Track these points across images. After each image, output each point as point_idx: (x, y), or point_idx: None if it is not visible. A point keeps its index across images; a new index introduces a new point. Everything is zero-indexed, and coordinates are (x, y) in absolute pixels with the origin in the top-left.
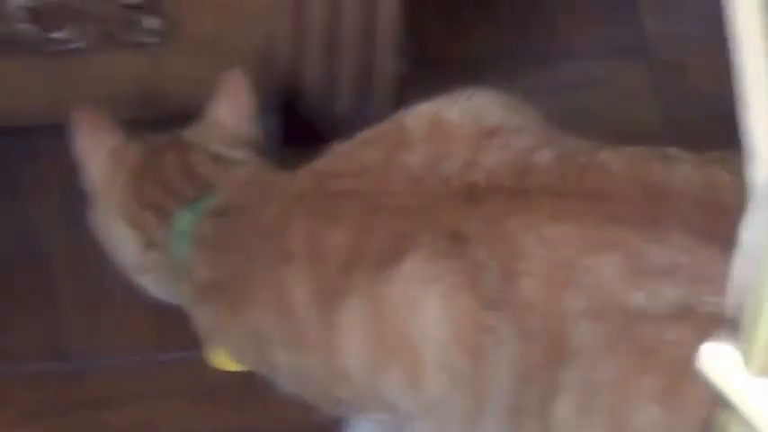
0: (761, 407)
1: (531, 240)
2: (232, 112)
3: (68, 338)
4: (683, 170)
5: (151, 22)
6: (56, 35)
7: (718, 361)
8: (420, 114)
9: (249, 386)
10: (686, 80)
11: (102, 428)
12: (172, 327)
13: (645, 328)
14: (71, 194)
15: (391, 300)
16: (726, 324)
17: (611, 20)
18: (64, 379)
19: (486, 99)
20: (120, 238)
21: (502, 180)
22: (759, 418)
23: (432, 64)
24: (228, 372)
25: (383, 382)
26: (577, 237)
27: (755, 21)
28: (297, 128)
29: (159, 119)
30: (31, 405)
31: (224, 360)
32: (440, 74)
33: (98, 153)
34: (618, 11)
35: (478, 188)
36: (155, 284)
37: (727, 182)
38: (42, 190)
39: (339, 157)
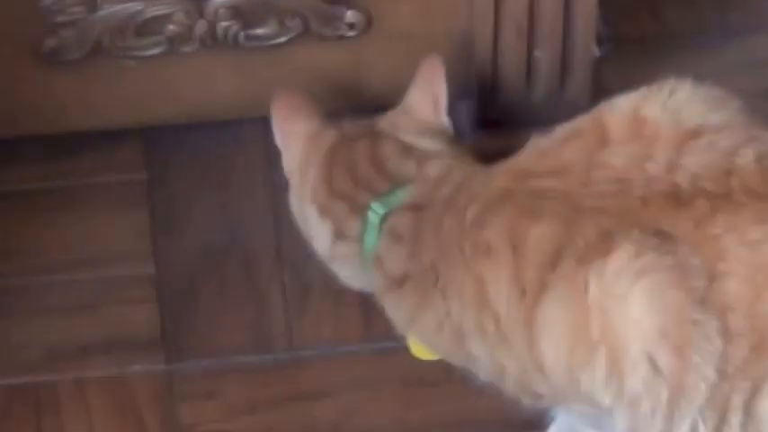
0: None
1: (734, 242)
2: (426, 99)
3: (276, 331)
4: None
5: (350, 15)
6: (257, 31)
7: None
8: (620, 111)
9: (458, 376)
10: None
11: (312, 420)
12: (377, 316)
13: None
14: (278, 186)
15: (596, 293)
16: None
17: None
18: (272, 372)
19: (687, 94)
20: (313, 226)
21: (705, 182)
22: None
23: (626, 41)
24: (426, 360)
25: (583, 376)
26: None
27: None
28: (493, 114)
29: (359, 109)
30: (241, 399)
31: (421, 349)
32: (635, 51)
33: (295, 137)
34: None
35: (683, 190)
36: (345, 273)
37: None
38: (250, 182)
39: (540, 154)
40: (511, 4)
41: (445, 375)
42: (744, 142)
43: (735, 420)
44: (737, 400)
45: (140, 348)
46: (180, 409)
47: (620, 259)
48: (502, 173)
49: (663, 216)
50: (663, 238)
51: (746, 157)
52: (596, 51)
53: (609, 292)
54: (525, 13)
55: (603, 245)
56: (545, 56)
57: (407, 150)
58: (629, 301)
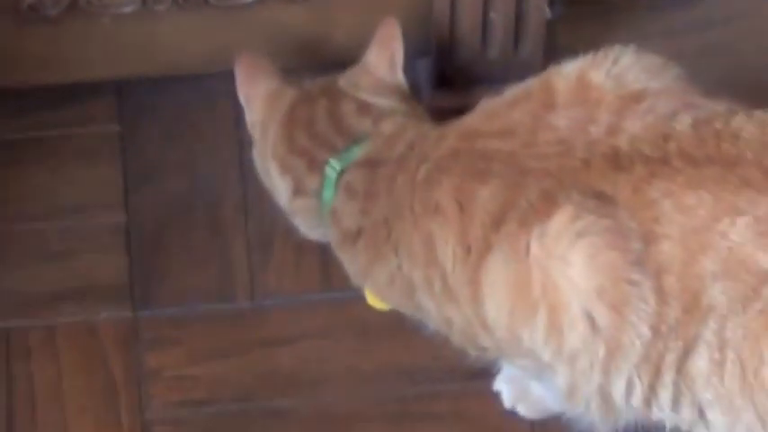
0: None
1: (670, 206)
2: (383, 58)
3: (239, 280)
4: None
5: None
6: None
7: None
8: (567, 76)
9: (409, 326)
10: None
11: (272, 366)
12: (336, 268)
13: None
14: (244, 142)
15: (537, 254)
16: None
17: None
18: (235, 320)
19: (631, 61)
20: (274, 181)
21: (644, 146)
22: None
23: (578, 3)
24: (380, 310)
25: (524, 333)
26: (712, 203)
27: None
28: (450, 72)
29: (322, 66)
30: (205, 346)
31: (375, 300)
32: (587, 13)
33: (256, 96)
34: None
35: (623, 153)
36: (305, 226)
37: None
38: (217, 136)
39: (489, 115)
40: None
41: (398, 325)
42: (682, 108)
43: (668, 378)
44: (670, 359)
45: (109, 296)
46: (145, 355)
47: (560, 221)
48: (452, 132)
49: (603, 178)
50: (602, 201)
51: (684, 123)
52: (548, 13)
53: (549, 252)
54: None
55: (545, 207)
56: (500, 17)
57: (365, 108)
58: (569, 262)
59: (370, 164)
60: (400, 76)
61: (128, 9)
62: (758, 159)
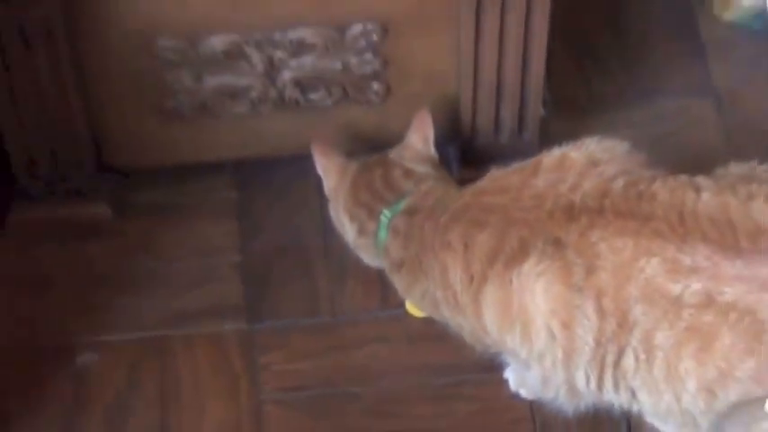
0: None
1: (605, 247)
2: (420, 137)
3: (323, 302)
4: (706, 197)
5: (376, 86)
6: (311, 97)
7: None
8: (553, 155)
9: (442, 333)
10: (745, 114)
11: (348, 363)
12: (391, 291)
13: (686, 311)
14: (323, 200)
15: (515, 286)
16: None
17: (685, 66)
18: (321, 330)
19: (597, 142)
20: (345, 227)
21: (589, 200)
22: None
23: (564, 104)
24: (417, 317)
25: (508, 337)
26: (634, 246)
27: None
28: (472, 154)
29: (375, 150)
30: (300, 348)
31: (413, 309)
32: (571, 111)
33: (330, 169)
34: (691, 58)
35: (575, 206)
36: (366, 258)
37: (736, 206)
38: (307, 197)
39: (493, 179)
40: (485, 78)
41: (434, 333)
42: (620, 173)
43: (608, 372)
44: (609, 359)
45: (231, 314)
46: (258, 356)
47: (529, 266)
48: (467, 192)
49: (559, 227)
50: (557, 246)
51: (618, 185)
52: (542, 112)
53: (522, 286)
54: (494, 84)
55: (521, 254)
56: (508, 114)
57: (409, 173)
58: (534, 292)
59: (410, 213)
60: (432, 151)
61: (241, 110)
62: (666, 216)
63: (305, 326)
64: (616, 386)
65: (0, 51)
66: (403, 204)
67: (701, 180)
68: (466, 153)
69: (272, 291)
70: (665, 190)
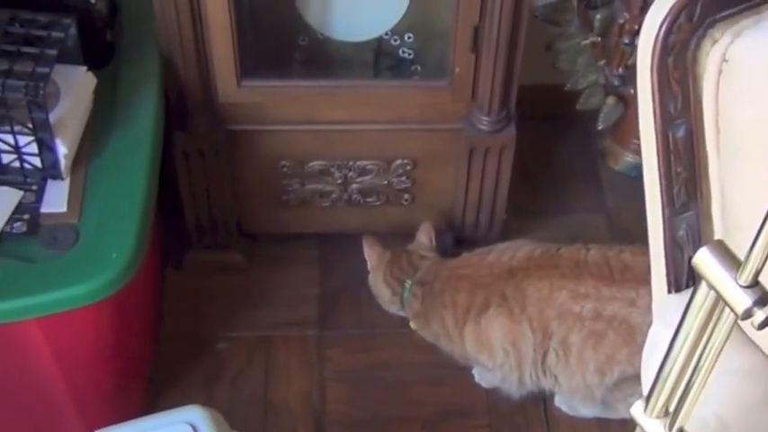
0: None
1: (532, 290)
2: (426, 238)
3: (366, 319)
4: (592, 252)
5: (406, 196)
6: (368, 200)
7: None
8: (502, 244)
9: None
10: (623, 225)
11: (379, 358)
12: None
13: (586, 321)
14: (365, 271)
15: (483, 326)
16: None
17: (589, 194)
18: (366, 338)
19: (524, 241)
20: (381, 291)
21: (521, 264)
22: None
23: (517, 212)
24: (419, 333)
25: (480, 356)
26: (549, 287)
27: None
28: (461, 240)
29: (404, 235)
30: (354, 348)
31: (416, 328)
32: (522, 216)
33: (373, 254)
34: (593, 190)
35: (513, 268)
36: (396, 311)
37: (612, 255)
38: (361, 266)
39: (463, 259)
40: (470, 196)
41: (430, 345)
42: (538, 248)
43: (539, 367)
44: (539, 359)
45: (310, 324)
46: (325, 350)
47: (489, 313)
48: (448, 267)
49: (505, 283)
50: (504, 298)
51: (537, 252)
52: (504, 216)
53: (487, 325)
54: (476, 199)
55: (484, 306)
56: (484, 217)
57: (421, 257)
58: (494, 328)
59: (420, 282)
60: (434, 245)
61: (326, 204)
62: (568, 265)
63: (354, 334)
64: (545, 375)
65: (186, 162)
66: (417, 276)
67: (590, 245)
68: (457, 239)
69: (336, 311)
70: (567, 251)
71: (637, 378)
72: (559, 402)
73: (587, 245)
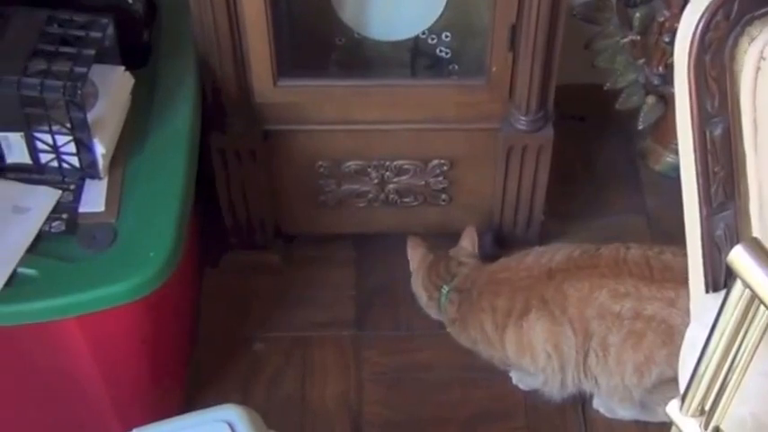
0: None
1: (572, 291)
2: (468, 243)
3: (402, 320)
4: (632, 251)
5: (444, 196)
6: (405, 200)
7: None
8: (540, 248)
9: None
10: (664, 226)
11: (415, 359)
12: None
13: (625, 321)
14: (408, 272)
15: (525, 329)
16: None
17: (630, 195)
18: (403, 339)
19: (562, 244)
20: (420, 294)
21: (560, 266)
22: None
23: (554, 213)
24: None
25: (523, 361)
26: (589, 286)
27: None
28: (500, 241)
29: (444, 236)
30: (390, 349)
31: (461, 342)
32: (560, 218)
33: (415, 257)
34: (633, 191)
35: (552, 270)
36: (433, 314)
37: (652, 255)
38: (404, 265)
39: (504, 262)
40: (508, 196)
41: (466, 348)
42: (577, 248)
43: (581, 369)
44: (580, 360)
45: (346, 325)
46: (362, 350)
47: (530, 317)
48: (487, 272)
49: (545, 286)
50: (544, 301)
51: (576, 252)
52: (542, 217)
53: (528, 330)
54: (514, 200)
55: (526, 310)
56: (521, 218)
57: (459, 263)
58: (535, 332)
59: (458, 289)
60: (476, 251)
61: (362, 205)
62: (607, 264)
63: (390, 335)
64: (586, 377)
65: (222, 161)
66: (454, 282)
67: (630, 244)
68: (496, 240)
69: (372, 312)
70: (607, 250)
71: (675, 381)
72: (597, 405)
73: (627, 244)
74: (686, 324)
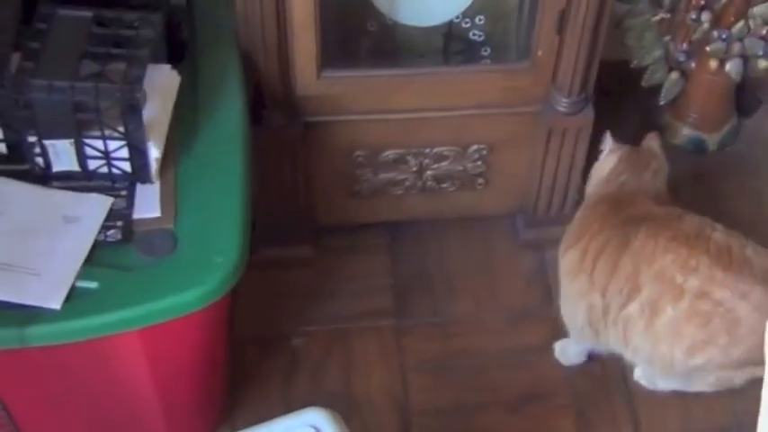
0: None
1: (640, 237)
2: (655, 144)
3: (441, 307)
4: (717, 234)
5: (480, 180)
6: (442, 186)
7: None
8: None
9: (512, 329)
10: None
11: (455, 346)
12: (482, 302)
13: (686, 295)
14: (446, 246)
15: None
16: None
17: None
18: (439, 324)
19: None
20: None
21: (638, 212)
22: None
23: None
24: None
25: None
26: (655, 243)
27: None
28: (532, 223)
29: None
30: (432, 335)
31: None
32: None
33: (613, 155)
34: None
35: (630, 216)
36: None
37: (735, 245)
38: (434, 246)
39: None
40: (545, 179)
41: (508, 329)
42: (708, 224)
43: (615, 316)
44: (618, 308)
45: (385, 315)
46: (402, 338)
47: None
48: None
49: (631, 228)
50: (630, 223)
51: (660, 211)
52: (576, 196)
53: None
54: (551, 182)
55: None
56: (557, 199)
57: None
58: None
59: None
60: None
61: (399, 193)
62: (687, 233)
63: (430, 322)
64: (620, 328)
65: (264, 157)
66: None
67: (717, 224)
68: (528, 221)
69: (410, 300)
70: (693, 219)
71: (721, 366)
72: (638, 376)
73: (714, 224)
74: (753, 320)
